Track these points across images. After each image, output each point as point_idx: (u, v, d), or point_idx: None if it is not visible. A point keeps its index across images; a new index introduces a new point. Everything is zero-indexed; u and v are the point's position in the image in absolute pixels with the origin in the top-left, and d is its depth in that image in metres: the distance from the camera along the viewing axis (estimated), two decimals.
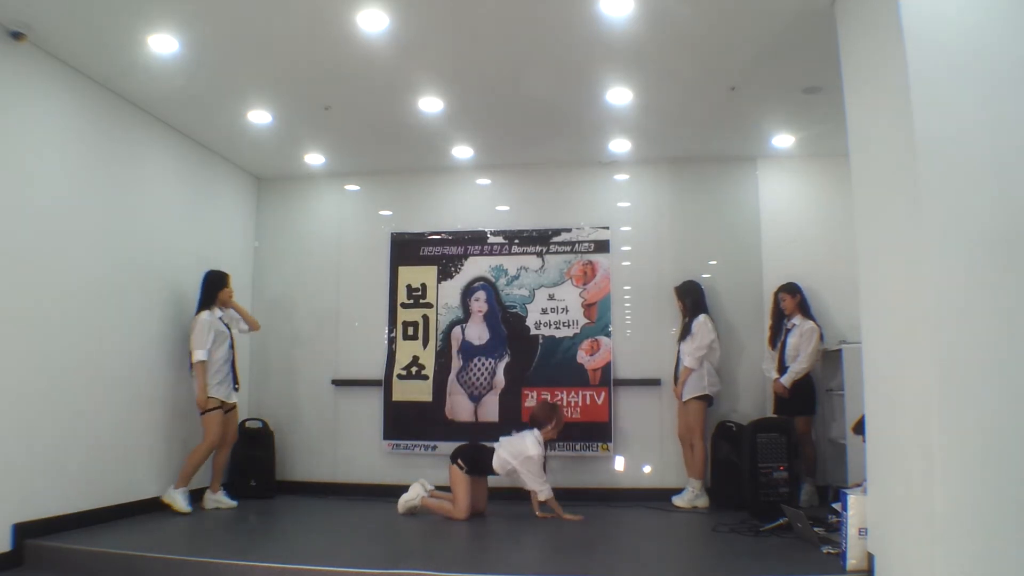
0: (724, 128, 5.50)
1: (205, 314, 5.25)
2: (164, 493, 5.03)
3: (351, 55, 4.27)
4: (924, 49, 2.85)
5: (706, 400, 5.43)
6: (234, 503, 5.29)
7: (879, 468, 3.25)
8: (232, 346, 5.41)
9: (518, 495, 5.62)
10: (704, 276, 5.89)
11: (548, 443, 5.04)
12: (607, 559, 3.85)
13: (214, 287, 5.39)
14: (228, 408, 5.34)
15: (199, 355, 5.14)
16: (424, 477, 5.36)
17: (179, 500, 4.99)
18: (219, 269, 5.52)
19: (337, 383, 6.24)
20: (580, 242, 6.15)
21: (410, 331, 6.23)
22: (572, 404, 5.91)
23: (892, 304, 3.11)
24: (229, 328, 5.43)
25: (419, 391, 6.10)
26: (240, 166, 6.36)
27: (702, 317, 5.49)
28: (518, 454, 4.88)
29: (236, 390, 5.44)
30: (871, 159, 3.34)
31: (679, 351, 5.54)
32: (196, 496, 5.22)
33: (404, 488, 5.25)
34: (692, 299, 5.60)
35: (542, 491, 4.86)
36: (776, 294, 5.56)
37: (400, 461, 5.99)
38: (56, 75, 4.29)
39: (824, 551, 3.69)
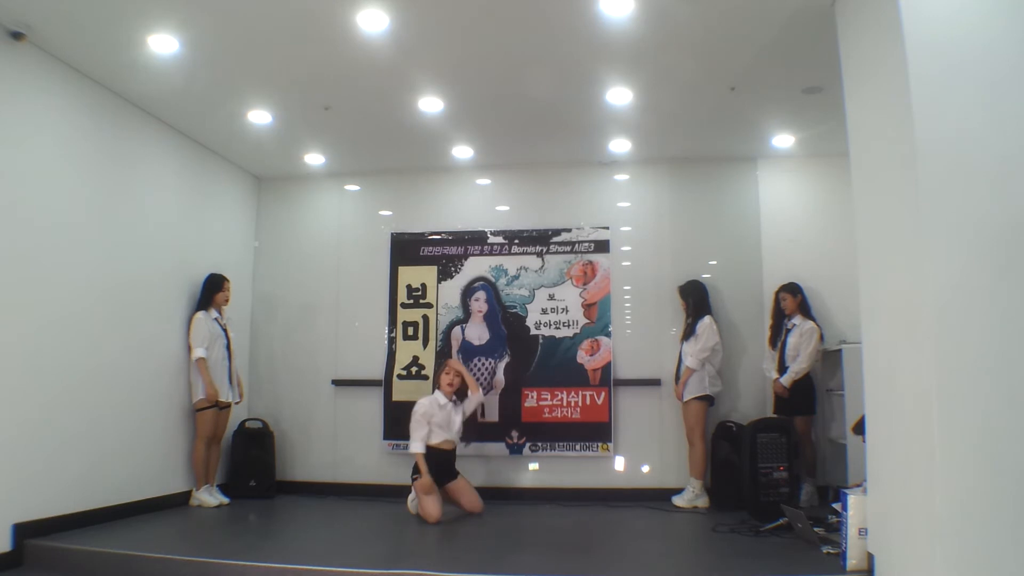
0: (724, 128, 5.50)
1: (201, 314, 5.38)
2: (191, 499, 5.28)
3: (351, 55, 4.27)
4: (924, 49, 2.85)
5: (707, 400, 5.43)
6: (215, 501, 5.30)
7: (879, 468, 3.26)
8: (228, 347, 5.47)
9: (517, 495, 5.62)
10: (704, 276, 5.88)
11: (456, 396, 5.25)
12: (607, 559, 3.85)
13: (211, 289, 5.49)
14: (223, 407, 5.42)
15: (198, 352, 5.25)
16: None
17: (206, 498, 5.27)
18: (220, 272, 5.58)
19: (337, 383, 6.24)
20: (580, 242, 6.15)
21: (410, 331, 6.22)
22: (572, 404, 5.91)
23: (892, 304, 3.11)
24: (226, 330, 5.48)
25: (419, 391, 6.07)
26: (240, 166, 6.36)
27: (707, 319, 5.48)
28: None
29: (231, 390, 5.51)
30: (871, 159, 3.34)
31: (681, 351, 5.54)
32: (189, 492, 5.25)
33: (404, 488, 5.25)
34: (695, 299, 5.59)
35: (411, 445, 5.03)
36: (777, 294, 5.56)
37: (400, 461, 5.97)
38: (56, 75, 4.29)
39: (824, 551, 3.69)
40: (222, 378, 5.40)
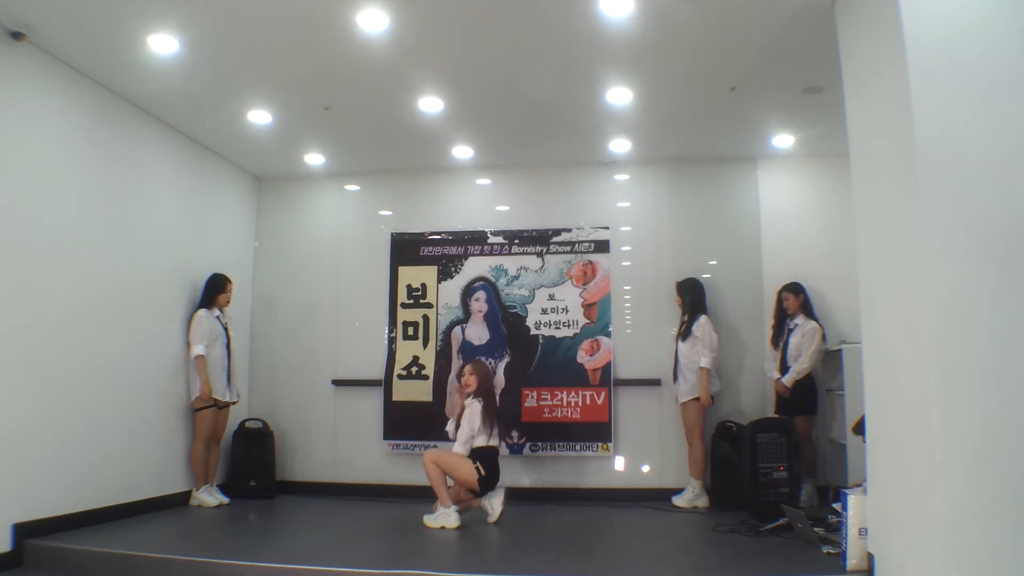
0: (724, 128, 5.50)
1: (202, 312, 5.37)
2: (191, 499, 5.28)
3: (351, 55, 4.27)
4: (924, 49, 2.85)
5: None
6: (215, 501, 5.30)
7: (879, 468, 3.25)
8: (228, 347, 5.46)
9: (517, 495, 5.61)
10: (704, 276, 5.89)
11: (481, 403, 4.86)
12: (607, 559, 3.85)
13: (213, 289, 5.49)
14: (221, 406, 5.42)
15: (197, 350, 5.24)
16: (423, 477, 5.33)
17: (206, 498, 5.27)
18: (223, 272, 5.59)
19: (337, 383, 6.24)
20: (580, 242, 6.15)
21: (410, 331, 6.22)
22: (572, 404, 5.91)
23: (892, 304, 3.11)
24: (227, 330, 5.48)
25: (419, 391, 6.10)
26: (240, 166, 6.36)
27: (704, 318, 5.47)
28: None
29: (228, 390, 5.50)
30: (871, 159, 3.34)
31: (677, 350, 5.53)
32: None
33: (404, 488, 5.26)
34: (692, 297, 5.59)
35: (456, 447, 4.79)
36: (780, 293, 5.55)
37: (400, 461, 5.99)
38: (56, 75, 4.29)
39: (824, 551, 3.69)
40: (220, 377, 5.39)
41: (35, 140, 4.14)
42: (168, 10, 3.84)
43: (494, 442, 4.86)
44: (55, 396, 4.19)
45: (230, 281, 5.57)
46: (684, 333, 5.52)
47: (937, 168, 2.78)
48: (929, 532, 2.71)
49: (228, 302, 5.58)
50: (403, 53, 4.27)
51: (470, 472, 4.71)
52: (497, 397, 5.56)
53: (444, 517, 4.62)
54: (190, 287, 5.51)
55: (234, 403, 5.62)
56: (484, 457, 4.76)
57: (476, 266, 6.23)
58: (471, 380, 4.95)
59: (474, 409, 4.82)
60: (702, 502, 5.30)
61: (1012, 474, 2.61)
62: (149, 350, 5.06)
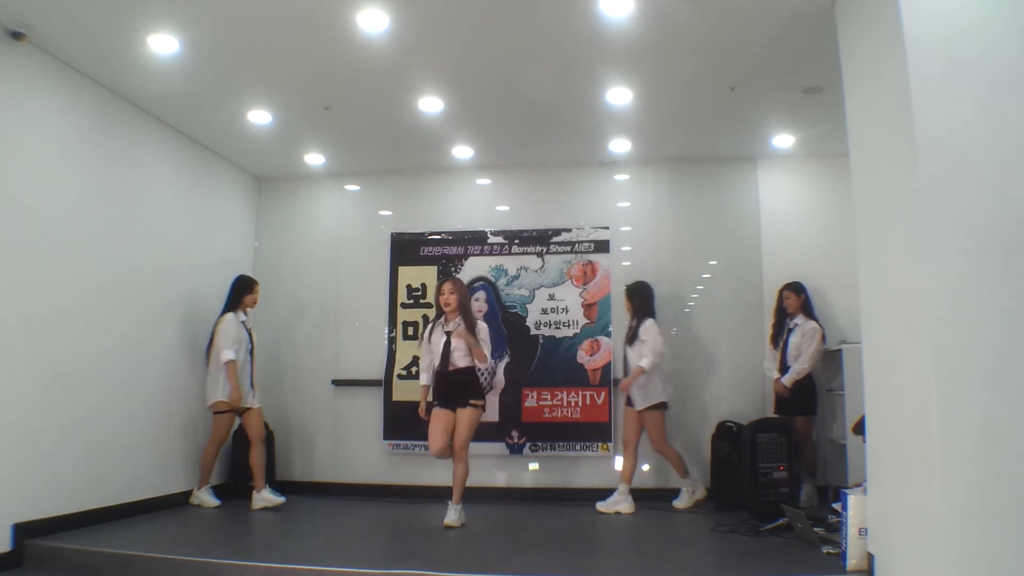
0: (724, 128, 5.50)
1: (230, 316, 5.33)
2: (191, 497, 5.28)
3: (351, 55, 4.27)
4: (924, 49, 2.85)
5: (663, 407, 5.29)
6: (215, 501, 5.27)
7: (879, 468, 3.26)
8: (251, 351, 5.43)
9: (517, 495, 5.62)
10: (704, 276, 5.90)
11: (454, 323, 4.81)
12: (607, 559, 3.85)
13: (240, 291, 5.46)
14: (241, 411, 5.35)
15: (228, 354, 5.18)
16: (423, 477, 5.35)
17: (206, 498, 5.26)
18: (249, 275, 5.62)
19: (337, 383, 6.24)
20: (580, 242, 6.15)
21: (410, 331, 6.22)
22: (572, 404, 5.91)
23: (892, 304, 3.11)
24: (250, 334, 5.45)
25: (419, 391, 6.07)
26: (240, 166, 6.36)
27: (650, 321, 5.32)
28: None
29: (252, 394, 5.41)
30: (871, 159, 3.34)
31: (625, 354, 5.38)
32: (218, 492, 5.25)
33: (405, 488, 5.26)
34: (641, 300, 5.44)
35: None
36: (780, 292, 5.53)
37: (400, 461, 5.99)
38: (56, 75, 4.29)
39: (824, 551, 3.69)
40: (244, 382, 5.30)
41: (35, 140, 4.14)
42: (168, 10, 3.84)
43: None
44: (55, 396, 4.19)
45: (256, 282, 5.56)
46: (631, 337, 5.36)
47: (937, 168, 2.78)
48: (929, 532, 2.71)
49: (255, 303, 5.55)
50: (403, 53, 4.27)
51: (469, 411, 4.72)
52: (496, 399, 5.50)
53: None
54: (190, 287, 5.51)
55: (257, 407, 5.44)
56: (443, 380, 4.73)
57: (476, 266, 6.23)
58: (451, 300, 4.74)
59: (481, 328, 4.78)
60: (700, 493, 5.29)
61: (1012, 474, 2.61)
62: (150, 350, 5.06)
